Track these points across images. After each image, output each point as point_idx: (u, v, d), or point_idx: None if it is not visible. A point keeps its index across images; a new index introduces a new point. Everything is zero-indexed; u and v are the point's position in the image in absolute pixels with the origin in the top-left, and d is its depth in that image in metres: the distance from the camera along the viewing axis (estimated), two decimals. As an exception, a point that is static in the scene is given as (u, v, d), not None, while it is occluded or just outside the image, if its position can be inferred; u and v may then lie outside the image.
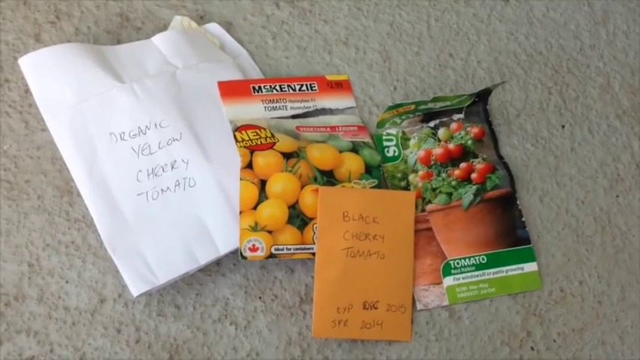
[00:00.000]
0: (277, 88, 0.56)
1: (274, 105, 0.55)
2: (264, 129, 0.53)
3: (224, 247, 0.50)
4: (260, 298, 0.51)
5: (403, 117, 0.57)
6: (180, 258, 0.49)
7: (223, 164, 0.51)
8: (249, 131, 0.52)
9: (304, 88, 0.57)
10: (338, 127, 0.55)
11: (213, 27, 0.58)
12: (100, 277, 0.50)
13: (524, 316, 0.53)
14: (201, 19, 0.58)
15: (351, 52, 0.58)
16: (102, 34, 0.57)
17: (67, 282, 0.50)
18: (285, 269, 0.52)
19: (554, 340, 0.53)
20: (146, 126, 0.51)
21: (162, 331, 0.50)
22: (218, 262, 0.51)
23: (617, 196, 0.57)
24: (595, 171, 0.57)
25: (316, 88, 0.57)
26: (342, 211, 0.51)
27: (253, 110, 0.54)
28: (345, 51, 0.58)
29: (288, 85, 0.56)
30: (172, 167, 0.51)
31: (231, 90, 0.54)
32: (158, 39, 0.55)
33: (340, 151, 0.53)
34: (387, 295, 0.51)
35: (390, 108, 0.55)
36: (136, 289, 0.48)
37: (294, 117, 0.56)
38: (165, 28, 0.57)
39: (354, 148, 0.54)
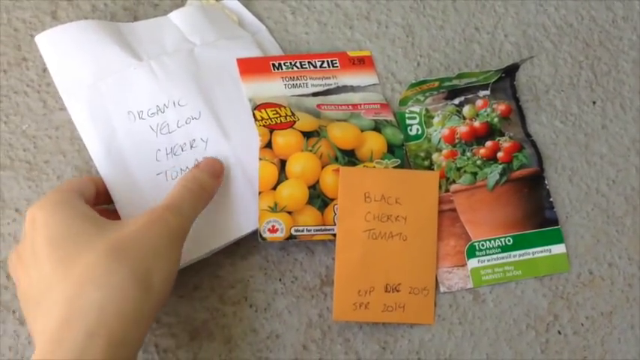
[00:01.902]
0: (298, 64, 0.54)
1: (295, 82, 0.54)
2: (284, 107, 0.51)
3: (245, 228, 0.49)
4: (280, 280, 0.51)
5: (427, 94, 0.55)
6: (199, 239, 0.48)
7: (243, 143, 0.50)
8: (268, 109, 0.51)
9: (325, 64, 0.55)
10: (360, 105, 0.54)
11: (232, 3, 0.56)
12: (120, 258, 0.50)
13: (551, 299, 0.52)
14: (219, -5, 0.57)
15: (373, 26, 0.57)
16: (119, 11, 0.56)
17: (86, 263, 0.50)
18: (305, 251, 0.51)
19: (582, 324, 0.51)
20: (164, 104, 0.50)
21: (182, 313, 0.49)
22: (237, 243, 0.51)
23: (650, 175, 0.55)
24: (627, 149, 0.55)
25: (338, 64, 0.56)
26: (364, 191, 0.50)
27: (273, 88, 0.53)
28: (367, 26, 0.57)
29: (309, 62, 0.55)
30: (191, 146, 0.49)
31: (250, 67, 0.53)
32: (175, 15, 0.54)
33: (362, 130, 0.52)
34: (410, 278, 0.50)
35: (413, 85, 0.54)
36: None
37: (315, 95, 0.54)
38: (182, 4, 0.56)
39: (377, 127, 0.52)
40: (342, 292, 0.49)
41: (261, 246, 0.51)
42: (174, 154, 0.49)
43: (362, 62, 0.56)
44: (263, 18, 0.56)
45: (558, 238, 0.53)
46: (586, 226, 0.53)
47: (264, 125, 0.50)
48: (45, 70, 0.53)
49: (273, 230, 0.49)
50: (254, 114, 0.50)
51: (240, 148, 0.50)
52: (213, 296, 0.50)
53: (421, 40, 0.56)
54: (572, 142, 0.55)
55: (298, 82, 0.54)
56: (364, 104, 0.54)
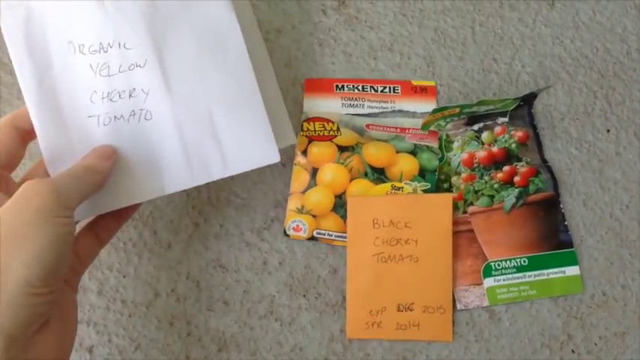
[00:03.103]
0: (360, 87, 0.58)
1: (352, 102, 0.58)
2: (333, 122, 0.56)
3: (169, 187, 0.46)
4: (304, 296, 0.53)
5: (447, 120, 0.58)
6: (121, 191, 0.46)
7: (186, 102, 0.46)
8: (316, 123, 0.56)
9: (387, 90, 0.59)
10: (409, 129, 0.57)
11: None
12: (155, 272, 0.53)
13: (565, 319, 0.54)
14: (252, 27, 0.60)
15: (395, 57, 0.60)
16: None
17: (124, 276, 0.53)
18: (328, 269, 0.54)
19: (596, 344, 0.53)
20: (109, 44, 0.45)
21: (212, 325, 0.52)
22: (264, 261, 0.54)
23: (664, 201, 0.57)
24: (641, 175, 0.57)
25: (399, 91, 0.59)
26: (372, 218, 0.53)
27: (330, 105, 0.57)
28: (390, 56, 0.60)
29: (371, 86, 0.59)
30: (130, 95, 0.46)
31: (315, 87, 0.58)
32: None
33: (398, 151, 0.56)
34: (423, 297, 0.52)
35: (435, 111, 0.56)
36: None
37: (369, 115, 0.58)
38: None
39: (414, 151, 0.56)
40: (354, 312, 0.52)
41: (287, 264, 0.54)
42: (111, 100, 0.46)
43: (424, 91, 0.59)
44: (292, 49, 0.60)
45: (573, 260, 0.55)
46: (600, 249, 0.55)
47: (305, 135, 0.55)
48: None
49: (297, 229, 0.53)
50: (302, 125, 0.55)
51: (181, 106, 0.46)
52: (242, 310, 0.53)
53: (441, 70, 0.59)
54: (586, 168, 0.57)
55: (356, 102, 0.58)
56: (413, 129, 0.57)
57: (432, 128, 0.58)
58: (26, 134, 0.45)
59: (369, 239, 0.53)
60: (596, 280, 0.55)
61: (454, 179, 0.56)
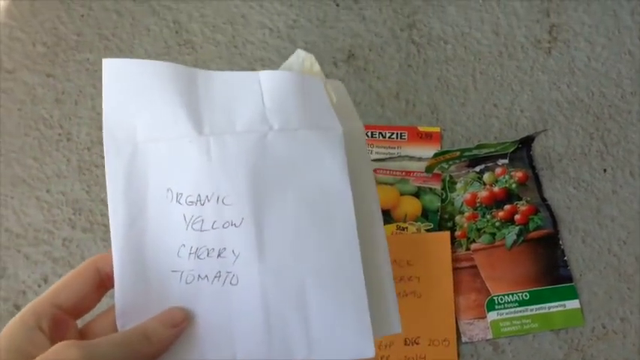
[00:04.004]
0: (368, 134, 0.63)
1: None
2: None
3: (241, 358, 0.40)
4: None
5: (450, 162, 0.62)
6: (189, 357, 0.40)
7: (277, 272, 0.41)
8: None
9: (394, 136, 0.63)
10: (414, 172, 0.61)
11: (337, 84, 0.47)
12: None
13: (566, 351, 0.56)
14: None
15: (401, 104, 0.64)
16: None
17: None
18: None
19: (596, 375, 0.55)
20: (207, 197, 0.41)
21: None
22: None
23: (661, 236, 0.59)
24: (637, 212, 0.60)
25: (406, 137, 0.63)
26: None
27: None
28: (397, 104, 0.64)
29: (380, 133, 0.63)
30: (219, 255, 0.41)
31: None
32: (266, 78, 0.43)
33: (402, 194, 0.59)
34: (428, 331, 0.55)
35: (437, 154, 0.60)
36: None
37: (377, 160, 0.62)
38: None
39: (417, 193, 0.60)
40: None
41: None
42: (198, 257, 0.41)
43: (429, 137, 0.63)
44: (305, 99, 0.64)
45: (573, 295, 0.57)
46: (599, 284, 0.58)
47: None
48: (120, 146, 0.62)
49: None
50: None
51: (272, 276, 0.40)
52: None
53: (445, 115, 0.64)
54: (584, 206, 0.60)
55: None
56: (417, 172, 0.61)
57: (435, 170, 0.62)
58: (107, 279, 0.40)
59: None
60: (595, 314, 0.57)
61: (457, 218, 0.60)
